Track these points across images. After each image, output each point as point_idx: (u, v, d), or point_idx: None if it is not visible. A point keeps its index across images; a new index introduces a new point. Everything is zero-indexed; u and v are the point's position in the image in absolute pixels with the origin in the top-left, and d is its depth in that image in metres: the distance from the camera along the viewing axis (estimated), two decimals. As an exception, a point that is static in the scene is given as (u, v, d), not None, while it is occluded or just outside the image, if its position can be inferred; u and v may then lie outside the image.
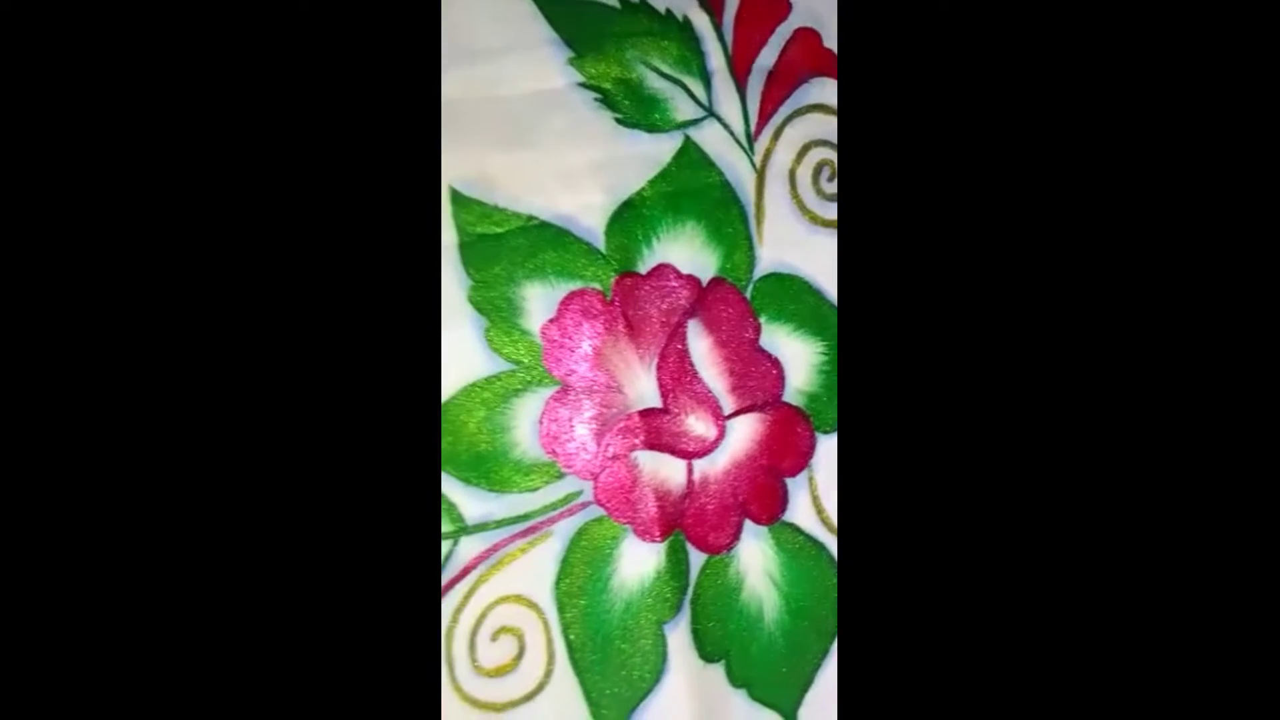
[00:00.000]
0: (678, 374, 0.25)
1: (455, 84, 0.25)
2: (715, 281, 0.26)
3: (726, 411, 0.26)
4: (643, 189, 0.26)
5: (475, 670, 0.23)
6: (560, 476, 0.24)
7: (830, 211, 0.26)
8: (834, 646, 0.24)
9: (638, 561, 0.25)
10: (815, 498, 0.26)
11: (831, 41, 0.27)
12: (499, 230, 0.25)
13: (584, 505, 0.25)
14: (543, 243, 0.25)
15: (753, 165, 0.26)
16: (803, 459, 0.26)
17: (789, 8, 0.27)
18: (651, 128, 0.26)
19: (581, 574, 0.24)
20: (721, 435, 0.26)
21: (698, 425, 0.25)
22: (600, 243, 0.25)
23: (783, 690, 0.25)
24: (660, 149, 0.26)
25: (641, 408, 0.25)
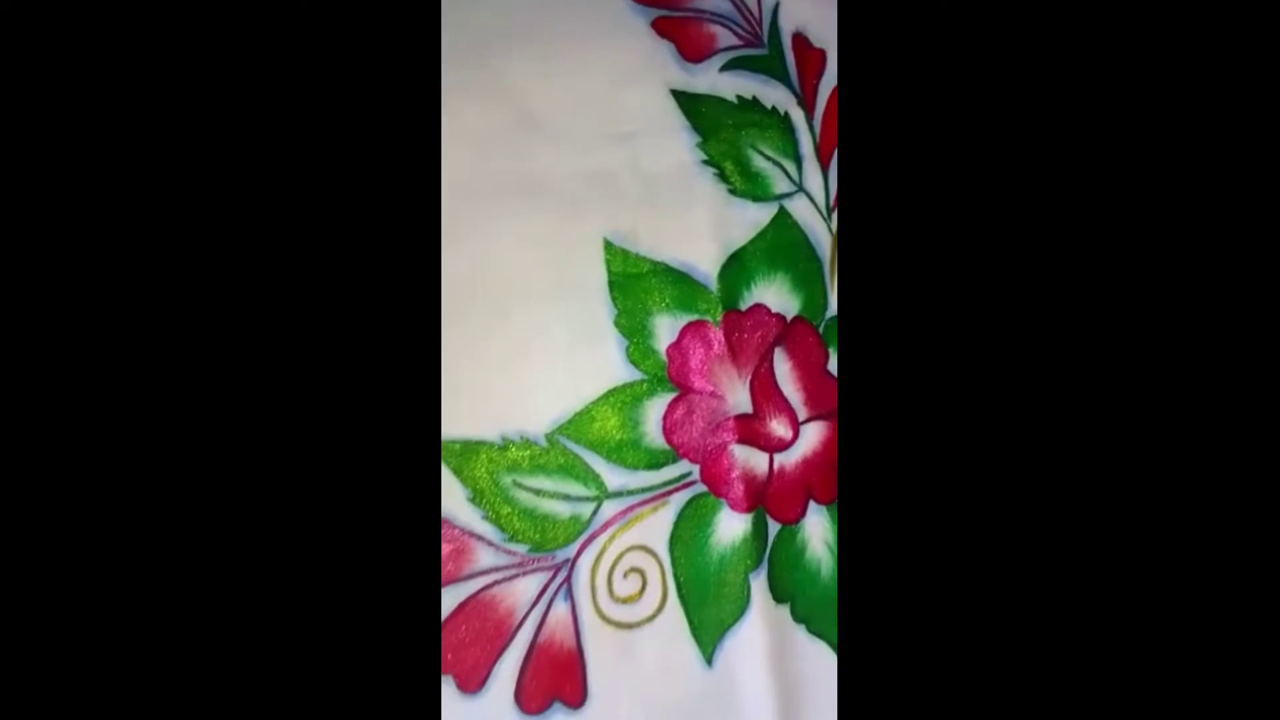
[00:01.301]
0: (765, 388, 0.33)
1: (611, 158, 0.32)
2: (797, 319, 0.34)
3: (801, 419, 0.34)
4: (746, 245, 0.33)
5: (611, 599, 0.31)
6: (676, 461, 0.33)
7: (888, 269, 0.34)
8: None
9: (730, 527, 0.33)
10: None
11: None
12: (638, 272, 0.33)
13: (692, 483, 0.33)
14: (670, 283, 0.33)
15: (830, 230, 0.34)
16: (854, 456, 0.34)
17: (864, 107, 0.35)
18: (755, 198, 0.33)
19: (688, 533, 0.32)
20: (796, 436, 0.33)
21: (779, 428, 0.33)
22: (713, 285, 0.33)
23: (831, 626, 0.33)
24: (761, 215, 0.34)
25: (738, 413, 0.33)
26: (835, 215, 0.34)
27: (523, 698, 0.30)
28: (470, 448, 0.31)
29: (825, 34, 0.34)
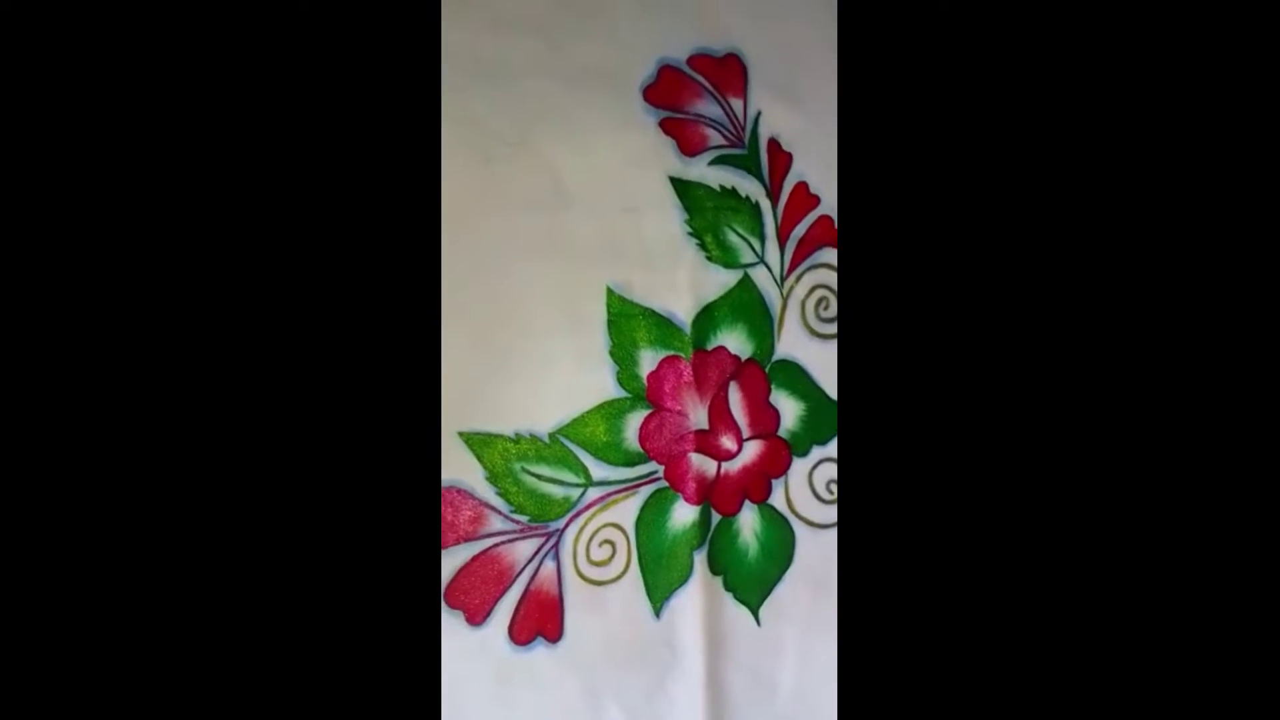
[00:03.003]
0: (720, 412, 0.43)
1: (619, 225, 0.41)
2: (749, 360, 0.43)
3: (744, 437, 0.43)
4: (715, 300, 0.43)
5: (588, 561, 0.41)
6: (646, 461, 0.42)
7: (822, 329, 0.44)
8: (787, 574, 0.43)
9: (683, 515, 0.42)
10: (787, 492, 0.44)
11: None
12: (630, 314, 0.42)
13: (657, 479, 0.42)
14: (654, 325, 0.42)
15: (781, 295, 0.44)
16: (783, 469, 0.44)
17: (818, 201, 0.44)
18: (726, 265, 0.43)
19: (650, 517, 0.42)
20: (740, 450, 0.43)
21: (727, 442, 0.43)
22: (687, 329, 0.42)
23: (753, 596, 0.43)
24: (729, 278, 0.43)
25: (697, 428, 0.43)
26: (786, 283, 0.44)
27: (514, 631, 0.40)
28: (490, 439, 0.40)
29: (794, 141, 0.44)
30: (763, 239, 0.44)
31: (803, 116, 0.44)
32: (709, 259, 0.43)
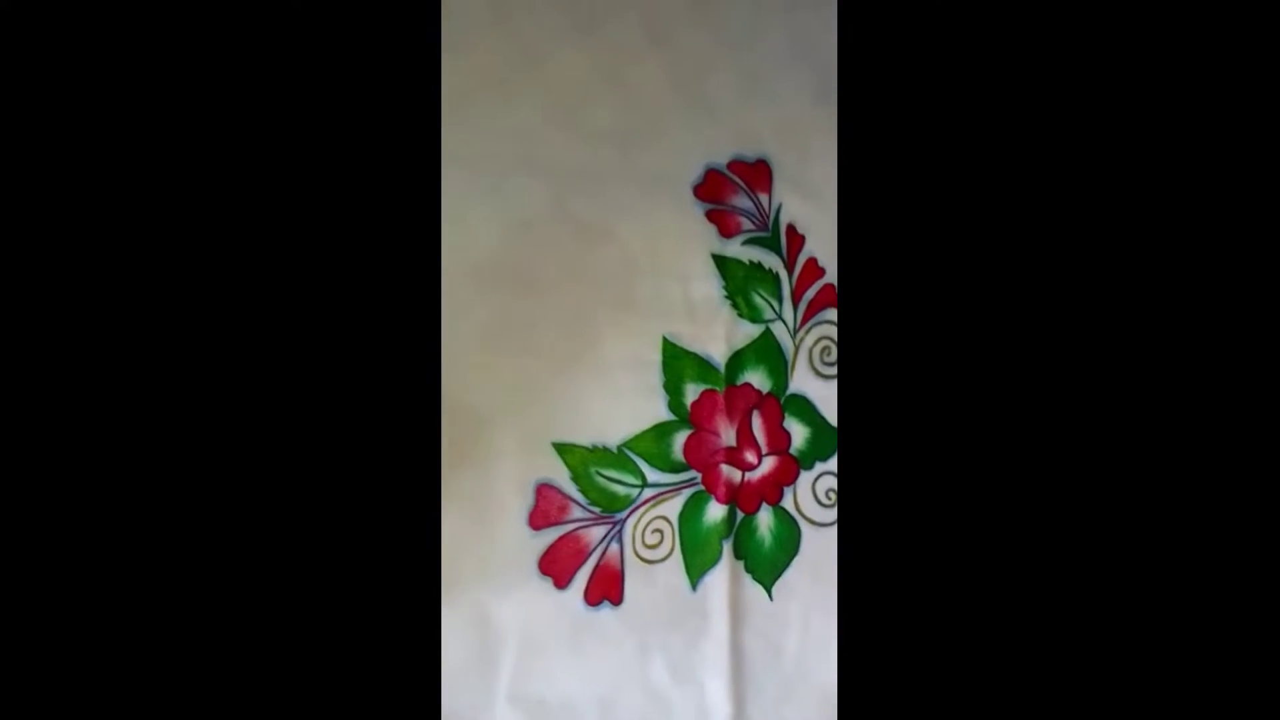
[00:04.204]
0: (745, 433, 0.55)
1: (673, 290, 0.54)
2: (768, 394, 0.56)
3: (763, 453, 0.56)
4: (744, 348, 0.56)
5: (643, 545, 0.53)
6: (688, 470, 0.55)
7: (825, 370, 0.57)
8: (794, 562, 0.55)
9: (714, 512, 0.55)
10: (795, 497, 0.56)
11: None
12: (680, 357, 0.55)
13: (696, 484, 0.55)
14: (697, 365, 0.55)
15: (794, 344, 0.56)
16: (792, 479, 0.56)
17: (824, 273, 0.57)
18: (752, 320, 0.56)
19: (690, 512, 0.54)
20: (759, 463, 0.56)
21: (750, 457, 0.56)
22: (722, 369, 0.55)
23: (767, 578, 0.55)
24: (754, 331, 0.56)
25: (726, 445, 0.55)
26: (798, 335, 0.56)
27: (587, 595, 0.52)
28: (573, 448, 0.53)
29: (807, 226, 0.57)
30: (781, 301, 0.57)
31: (814, 207, 0.57)
32: (739, 316, 0.56)
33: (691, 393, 0.55)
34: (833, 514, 0.56)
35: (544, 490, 0.52)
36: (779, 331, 0.57)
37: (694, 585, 0.54)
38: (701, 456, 0.55)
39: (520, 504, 0.51)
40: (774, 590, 0.55)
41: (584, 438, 0.53)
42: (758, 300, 0.56)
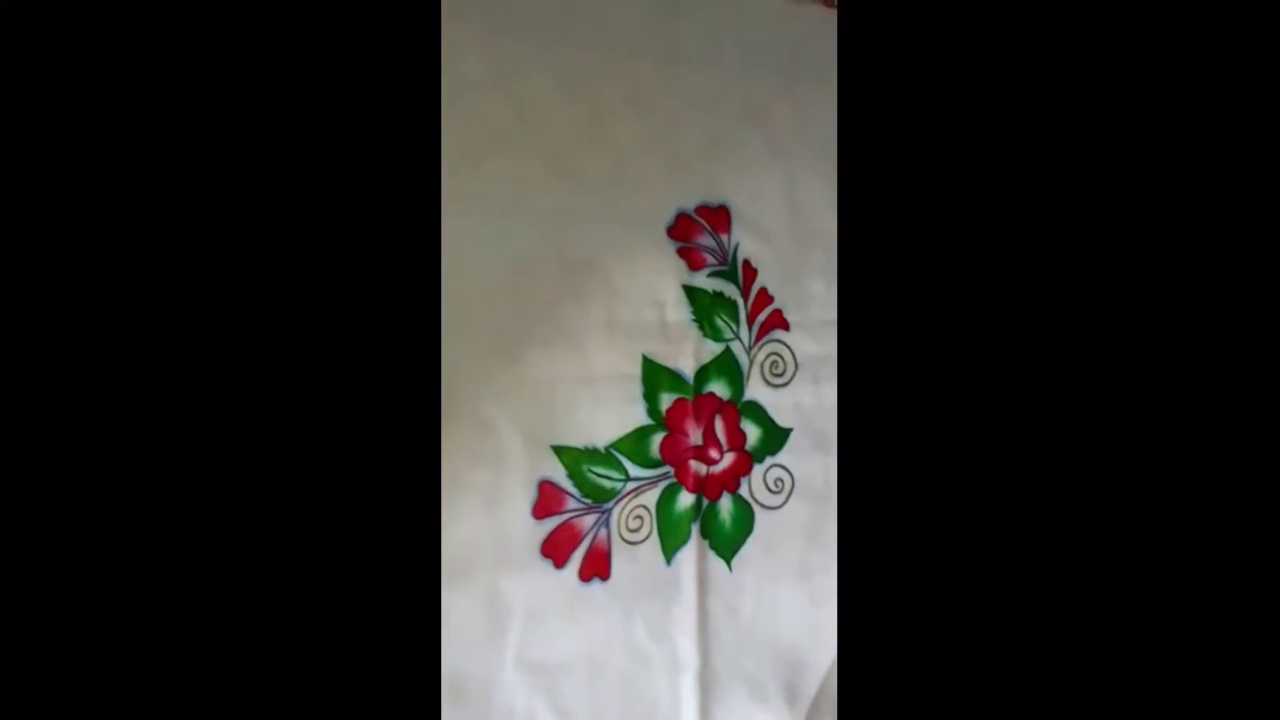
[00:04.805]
0: (709, 434, 0.66)
1: (650, 315, 0.64)
2: (728, 401, 0.67)
3: (724, 449, 0.67)
4: (708, 362, 0.66)
5: (626, 530, 0.63)
6: (663, 465, 0.65)
7: (774, 380, 0.68)
8: (749, 539, 0.66)
9: (684, 500, 0.66)
10: (750, 486, 0.67)
11: (789, 313, 0.69)
12: (656, 371, 0.65)
13: (669, 478, 0.65)
14: (670, 378, 0.65)
15: (749, 359, 0.67)
16: (747, 471, 0.68)
17: (772, 299, 0.68)
18: (715, 340, 0.67)
19: (664, 500, 0.65)
20: (721, 458, 0.67)
21: (713, 454, 0.66)
22: (691, 381, 0.66)
23: (727, 553, 0.66)
24: (717, 348, 0.67)
25: (694, 444, 0.66)
26: (752, 351, 0.67)
27: (581, 573, 0.62)
28: (568, 449, 0.62)
29: (761, 261, 0.68)
30: (738, 324, 0.67)
31: (767, 246, 0.68)
32: (705, 336, 0.66)
33: (666, 401, 0.65)
34: (780, 499, 0.67)
35: (545, 486, 0.62)
36: (736, 349, 0.68)
37: (668, 561, 0.64)
38: (674, 454, 0.65)
39: (525, 497, 0.61)
40: (733, 563, 0.66)
41: (577, 440, 0.63)
42: (719, 323, 0.67)
